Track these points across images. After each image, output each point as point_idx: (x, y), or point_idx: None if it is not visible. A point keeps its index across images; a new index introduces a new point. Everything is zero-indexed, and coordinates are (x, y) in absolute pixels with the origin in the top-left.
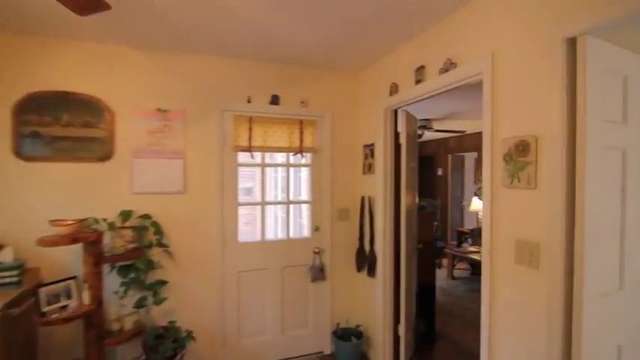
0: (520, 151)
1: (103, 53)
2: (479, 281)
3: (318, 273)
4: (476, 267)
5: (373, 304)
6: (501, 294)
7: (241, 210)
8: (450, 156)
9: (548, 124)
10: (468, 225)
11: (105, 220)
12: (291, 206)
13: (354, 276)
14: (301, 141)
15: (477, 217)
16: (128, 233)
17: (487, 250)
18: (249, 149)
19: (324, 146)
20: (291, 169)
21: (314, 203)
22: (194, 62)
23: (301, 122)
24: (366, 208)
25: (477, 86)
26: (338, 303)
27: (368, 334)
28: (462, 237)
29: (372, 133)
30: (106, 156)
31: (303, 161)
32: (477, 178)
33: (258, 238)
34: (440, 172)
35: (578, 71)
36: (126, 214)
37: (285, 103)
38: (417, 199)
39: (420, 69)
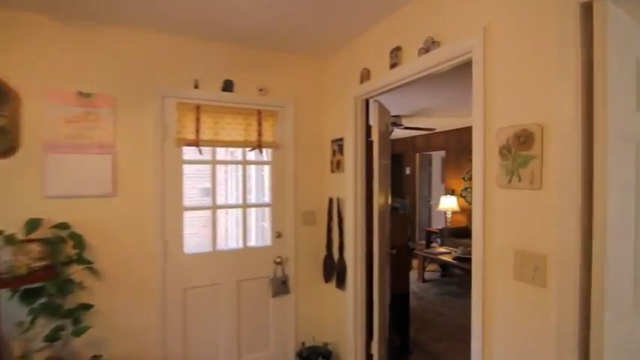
0: (521, 144)
1: (3, 20)
2: (450, 283)
3: (281, 286)
4: (446, 268)
5: (343, 318)
6: (496, 316)
7: (191, 215)
8: (417, 155)
9: (557, 110)
10: (436, 224)
11: (1, 232)
12: (251, 211)
13: (321, 287)
14: (260, 134)
15: (445, 217)
16: (35, 248)
17: (478, 261)
18: (196, 143)
19: (287, 141)
20: (252, 168)
21: (275, 206)
22: (127, 37)
23: (260, 113)
24: (334, 211)
25: (460, 72)
26: (303, 319)
27: (338, 353)
28: (430, 237)
29: (340, 127)
30: (7, 150)
31: (264, 158)
32: (445, 177)
33: (208, 248)
34: (408, 171)
35: (595, 44)
36: (32, 224)
37: (241, 91)
38: (389, 200)
39: (396, 51)
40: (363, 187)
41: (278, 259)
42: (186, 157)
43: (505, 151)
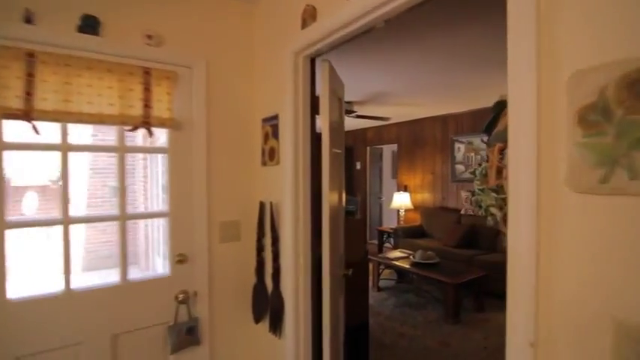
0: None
1: None
2: (407, 291)
3: (185, 335)
4: (402, 273)
5: None
6: None
7: (24, 235)
8: (368, 148)
9: None
10: (388, 223)
11: None
12: (139, 224)
13: (250, 331)
14: (147, 106)
15: (398, 215)
16: None
17: (524, 343)
18: (27, 115)
19: (194, 118)
20: (141, 158)
21: (176, 216)
22: None
23: (148, 73)
24: (266, 221)
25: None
26: None
27: None
28: (382, 237)
29: (275, 99)
30: None
31: (158, 143)
32: (397, 172)
33: (58, 286)
34: (358, 165)
35: None
36: None
37: (114, 35)
38: (344, 202)
39: None
40: (307, 186)
41: (181, 296)
42: (11, 137)
43: (595, 117)
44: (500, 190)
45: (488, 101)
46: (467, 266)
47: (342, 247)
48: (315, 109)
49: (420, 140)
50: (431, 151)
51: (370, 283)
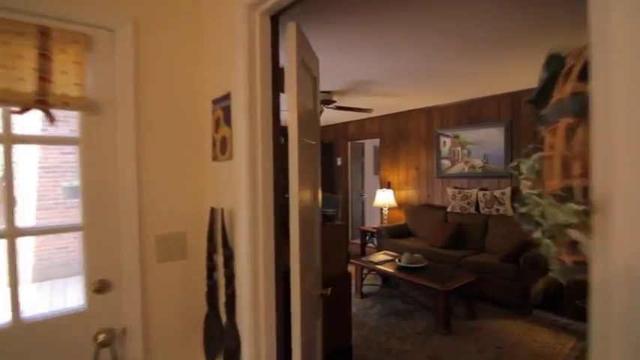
0: None
1: None
2: (393, 296)
3: None
4: (387, 279)
5: None
6: None
7: None
8: (349, 143)
9: None
10: (370, 222)
11: None
12: (39, 241)
13: None
14: (44, 80)
15: (382, 213)
16: None
17: None
18: None
19: (119, 99)
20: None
21: (94, 229)
22: None
23: (45, 35)
24: (217, 232)
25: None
26: None
27: None
28: (365, 237)
29: (226, 74)
30: None
31: (64, 131)
32: (379, 168)
33: None
34: (339, 161)
35: None
36: None
37: None
38: (320, 204)
39: None
40: (269, 187)
41: (102, 336)
42: None
43: None
44: (569, 196)
45: (476, 92)
46: (456, 269)
47: (319, 261)
48: (279, 85)
49: (404, 134)
50: (415, 145)
51: (353, 289)
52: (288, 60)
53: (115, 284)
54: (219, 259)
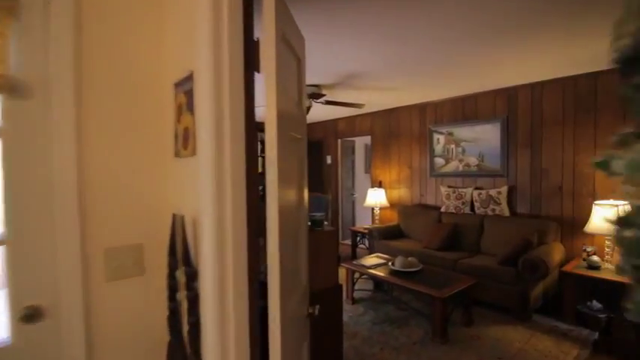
0: None
1: None
2: (386, 302)
3: None
4: (380, 284)
5: None
6: None
7: None
8: (339, 141)
9: None
10: (361, 222)
11: None
12: None
13: None
14: None
15: (373, 213)
16: None
17: None
18: None
19: (54, 79)
20: None
21: (18, 242)
22: None
23: None
24: (178, 245)
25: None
26: None
27: None
28: (356, 238)
29: (189, 49)
30: None
31: None
32: (370, 166)
33: None
34: (329, 160)
35: None
36: None
37: None
38: (306, 208)
39: None
40: (240, 189)
41: None
42: None
43: None
44: None
45: (471, 87)
46: (452, 273)
47: (306, 275)
48: (254, 63)
49: (396, 131)
50: (407, 143)
51: (344, 295)
52: (265, 29)
53: (50, 311)
54: (181, 275)
